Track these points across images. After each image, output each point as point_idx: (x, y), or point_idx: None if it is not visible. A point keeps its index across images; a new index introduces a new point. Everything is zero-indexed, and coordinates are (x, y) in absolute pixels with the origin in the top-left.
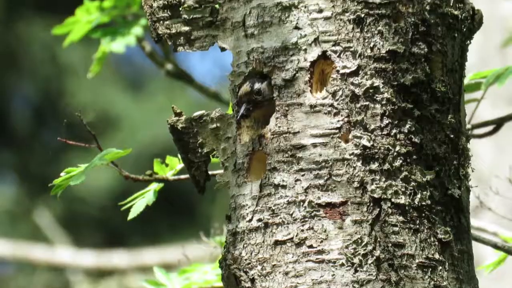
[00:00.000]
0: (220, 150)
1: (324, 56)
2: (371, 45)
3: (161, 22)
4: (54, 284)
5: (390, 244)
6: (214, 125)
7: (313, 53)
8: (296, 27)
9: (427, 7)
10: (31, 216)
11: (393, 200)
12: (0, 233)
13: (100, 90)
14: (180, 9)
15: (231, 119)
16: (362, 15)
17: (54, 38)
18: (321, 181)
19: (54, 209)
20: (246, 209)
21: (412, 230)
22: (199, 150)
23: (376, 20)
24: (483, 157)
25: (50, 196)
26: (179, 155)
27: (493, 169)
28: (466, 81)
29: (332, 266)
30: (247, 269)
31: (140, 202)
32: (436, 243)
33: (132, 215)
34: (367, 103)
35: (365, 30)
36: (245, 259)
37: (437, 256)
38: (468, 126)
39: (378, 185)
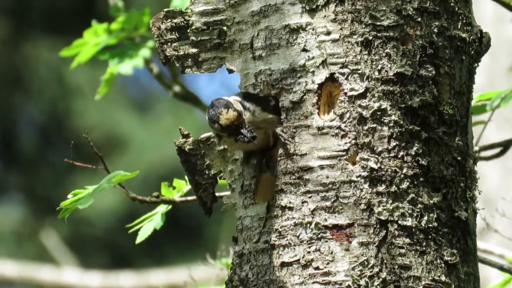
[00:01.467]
0: (228, 171)
1: (332, 78)
2: (379, 67)
3: (169, 44)
4: None
5: (396, 266)
6: (222, 147)
7: (321, 75)
8: (304, 49)
9: (435, 30)
10: (37, 237)
11: (399, 222)
12: (7, 254)
13: (107, 111)
14: (188, 31)
15: None
16: (370, 38)
17: (61, 59)
18: (328, 203)
19: (61, 230)
20: (252, 231)
21: (418, 252)
22: (206, 172)
23: (384, 43)
24: (490, 180)
25: (56, 217)
26: (186, 177)
27: (499, 191)
28: (472, 103)
29: None
30: None
31: (147, 225)
32: (443, 265)
33: (140, 238)
34: (374, 125)
35: (373, 52)
36: (252, 281)
37: (443, 278)
38: (475, 149)
39: (385, 207)
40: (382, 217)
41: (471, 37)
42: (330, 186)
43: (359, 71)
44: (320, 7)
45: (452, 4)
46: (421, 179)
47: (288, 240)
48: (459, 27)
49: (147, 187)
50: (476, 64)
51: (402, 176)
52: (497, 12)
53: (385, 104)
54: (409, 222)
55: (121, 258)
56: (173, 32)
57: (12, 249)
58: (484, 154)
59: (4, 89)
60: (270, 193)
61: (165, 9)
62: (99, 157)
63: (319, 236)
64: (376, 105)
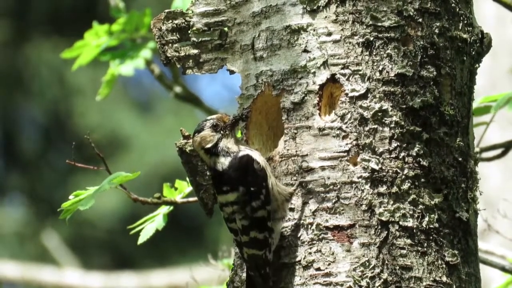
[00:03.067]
0: None
1: (333, 79)
2: (380, 68)
3: (170, 45)
4: None
5: (397, 267)
6: None
7: (322, 76)
8: (305, 50)
9: (436, 31)
10: (39, 238)
11: (401, 223)
12: (9, 254)
13: (108, 111)
14: (189, 32)
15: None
16: (371, 38)
17: (62, 60)
18: (329, 204)
19: (62, 231)
20: None
21: (419, 253)
22: (207, 173)
23: (385, 43)
24: (491, 180)
25: (58, 218)
26: (187, 178)
27: (501, 192)
28: (475, 104)
29: None
30: None
31: (149, 226)
32: (444, 266)
33: (141, 239)
34: (375, 126)
35: (374, 53)
36: None
37: (444, 279)
38: (477, 149)
39: (386, 208)
40: (383, 218)
41: (472, 38)
42: (331, 187)
43: (360, 72)
44: (321, 8)
45: (453, 4)
46: (422, 180)
47: (289, 241)
48: (460, 27)
49: (149, 187)
50: (477, 65)
51: (403, 177)
52: (498, 13)
53: (386, 105)
54: (410, 223)
55: (122, 259)
56: (174, 33)
57: (14, 250)
58: (485, 155)
59: (5, 90)
60: None
61: (166, 10)
62: (101, 158)
63: (320, 237)
64: (377, 106)
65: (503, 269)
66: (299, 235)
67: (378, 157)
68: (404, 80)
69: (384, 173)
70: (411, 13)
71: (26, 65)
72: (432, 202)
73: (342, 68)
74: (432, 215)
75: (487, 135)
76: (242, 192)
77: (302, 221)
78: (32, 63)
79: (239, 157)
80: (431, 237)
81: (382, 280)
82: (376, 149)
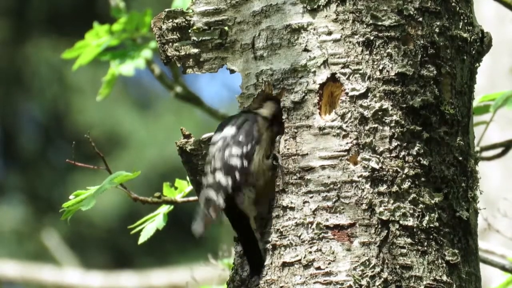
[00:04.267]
0: None
1: (333, 78)
2: (380, 67)
3: (170, 44)
4: None
5: (397, 266)
6: None
7: (322, 76)
8: (305, 49)
9: (436, 30)
10: (38, 237)
11: (401, 222)
12: (8, 253)
13: (108, 110)
14: (189, 31)
15: None
16: (371, 38)
17: (62, 59)
18: (330, 203)
19: (62, 230)
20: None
21: (420, 252)
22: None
23: (385, 43)
24: (491, 180)
25: (57, 216)
26: (187, 177)
27: (501, 191)
28: (474, 103)
29: None
30: None
31: (150, 226)
32: (444, 265)
33: (142, 239)
34: (376, 125)
35: (374, 52)
36: (253, 281)
37: (444, 278)
38: (477, 149)
39: (386, 207)
40: (384, 217)
41: (473, 37)
42: (332, 186)
43: (360, 71)
44: (321, 7)
45: (453, 4)
46: (423, 179)
47: (289, 240)
48: (460, 27)
49: (149, 185)
50: (477, 64)
51: (403, 176)
52: (498, 13)
53: (386, 104)
54: (410, 222)
55: (122, 258)
56: (175, 32)
57: (13, 249)
58: (485, 154)
59: (5, 89)
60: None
61: (167, 9)
62: (101, 157)
63: (320, 236)
64: (377, 105)
65: (503, 268)
66: (299, 234)
67: (378, 156)
68: (404, 79)
69: (385, 172)
70: (411, 12)
71: (25, 64)
72: (432, 201)
73: (342, 67)
74: (432, 214)
75: (487, 134)
76: (233, 132)
77: (302, 220)
78: (32, 62)
79: (255, 115)
80: (431, 236)
81: (382, 279)
82: (377, 148)
